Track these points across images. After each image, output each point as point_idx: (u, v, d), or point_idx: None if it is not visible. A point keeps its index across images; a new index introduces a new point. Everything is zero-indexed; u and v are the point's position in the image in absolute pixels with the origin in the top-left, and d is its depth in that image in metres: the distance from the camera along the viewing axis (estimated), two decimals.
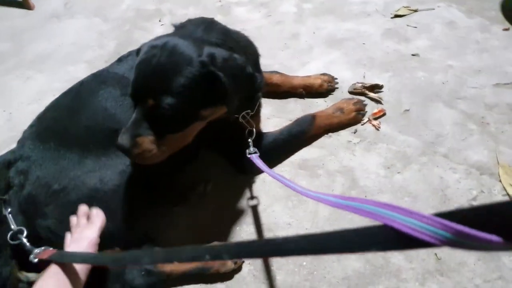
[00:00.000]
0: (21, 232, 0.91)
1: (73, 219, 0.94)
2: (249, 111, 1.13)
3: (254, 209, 1.20)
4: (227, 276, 1.06)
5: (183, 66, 0.87)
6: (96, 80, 1.17)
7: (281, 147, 1.28)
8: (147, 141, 0.90)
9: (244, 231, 1.16)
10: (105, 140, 1.05)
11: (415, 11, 1.82)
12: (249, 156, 1.06)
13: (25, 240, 0.89)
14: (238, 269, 1.07)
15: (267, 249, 0.44)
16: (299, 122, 1.30)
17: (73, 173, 0.99)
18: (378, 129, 1.35)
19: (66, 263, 0.81)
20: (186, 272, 1.04)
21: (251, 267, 1.08)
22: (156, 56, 0.88)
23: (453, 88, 1.47)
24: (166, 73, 0.87)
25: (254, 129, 1.14)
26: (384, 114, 1.40)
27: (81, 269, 0.83)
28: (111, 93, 1.12)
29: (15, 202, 0.98)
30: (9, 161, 1.06)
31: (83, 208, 0.95)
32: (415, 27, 1.74)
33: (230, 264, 1.05)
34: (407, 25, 1.76)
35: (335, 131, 1.36)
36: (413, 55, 1.62)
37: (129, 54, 1.23)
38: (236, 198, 1.23)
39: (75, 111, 1.09)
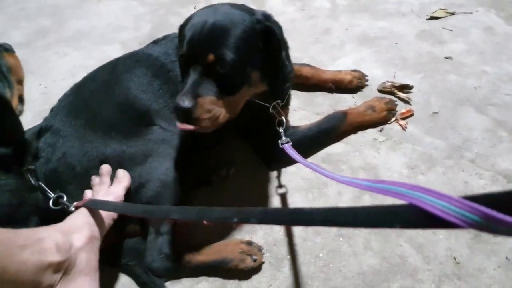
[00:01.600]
0: (62, 197, 0.95)
1: (95, 178, 0.99)
2: (279, 101, 1.15)
3: (283, 197, 1.22)
4: (244, 275, 1.05)
5: (240, 21, 0.89)
6: (132, 58, 1.20)
7: (309, 144, 1.27)
8: (208, 102, 0.88)
9: None
10: (131, 123, 1.08)
11: (452, 14, 1.79)
12: (281, 146, 1.07)
13: (67, 203, 0.94)
14: (257, 268, 1.06)
15: (294, 217, 0.45)
16: (329, 118, 1.30)
17: (96, 154, 1.02)
18: (404, 129, 1.35)
19: (94, 210, 0.88)
20: (205, 262, 1.03)
21: (267, 254, 1.09)
22: (210, 16, 0.89)
23: (486, 94, 1.44)
24: (224, 28, 0.87)
25: (284, 119, 1.16)
26: (412, 115, 1.39)
27: (106, 217, 0.91)
28: (143, 72, 1.16)
29: (41, 174, 1.02)
30: (40, 128, 1.10)
31: (106, 167, 0.99)
32: (451, 30, 1.71)
33: (249, 261, 1.04)
34: (443, 28, 1.73)
35: (365, 129, 1.36)
36: (446, 58, 1.59)
37: (164, 37, 1.26)
38: (258, 184, 1.25)
39: (110, 85, 1.13)
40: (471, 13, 1.78)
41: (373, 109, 1.35)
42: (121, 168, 1.01)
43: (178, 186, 1.05)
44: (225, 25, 0.88)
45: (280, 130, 1.13)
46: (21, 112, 1.08)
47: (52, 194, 0.96)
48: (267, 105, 1.14)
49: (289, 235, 1.12)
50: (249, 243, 1.08)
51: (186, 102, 0.85)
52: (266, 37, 0.93)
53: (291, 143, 1.08)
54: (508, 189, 0.29)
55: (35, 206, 0.99)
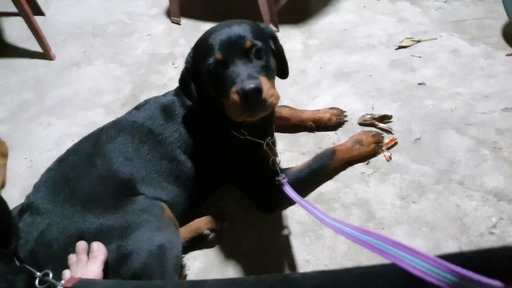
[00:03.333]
0: (47, 274, 0.93)
1: (72, 257, 0.96)
2: (270, 137, 1.20)
3: (285, 239, 1.21)
4: None
5: (252, 23, 1.06)
6: (115, 127, 1.21)
7: (301, 186, 1.26)
8: (266, 80, 0.96)
9: (263, 272, 1.16)
10: (112, 195, 1.07)
11: (418, 41, 1.87)
12: (277, 181, 1.11)
13: (53, 280, 0.91)
14: None
15: (284, 285, 0.45)
16: (318, 158, 1.32)
17: (74, 230, 1.00)
18: (388, 160, 1.36)
19: None
20: None
21: None
22: (228, 25, 1.01)
23: (463, 114, 1.48)
24: (245, 27, 1.00)
25: (278, 158, 1.20)
26: (396, 143, 1.42)
27: None
28: (128, 139, 1.17)
29: (22, 255, 1.00)
30: (22, 207, 1.09)
31: (82, 244, 0.97)
32: (420, 57, 1.78)
33: None
34: (412, 55, 1.80)
35: (355, 164, 1.38)
36: (420, 84, 1.65)
37: (146, 102, 1.28)
38: (253, 235, 1.25)
39: (92, 157, 1.13)
40: (436, 38, 1.86)
41: (360, 143, 1.37)
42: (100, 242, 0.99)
43: (166, 254, 1.01)
44: (244, 25, 1.01)
45: (277, 167, 1.16)
46: None
47: (38, 273, 0.93)
48: (260, 141, 1.17)
49: None
50: None
51: (252, 82, 0.90)
52: (271, 39, 1.10)
53: (287, 179, 1.12)
54: (479, 249, 0.31)
55: None
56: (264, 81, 0.94)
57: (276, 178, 1.12)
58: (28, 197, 1.11)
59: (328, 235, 1.20)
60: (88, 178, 1.08)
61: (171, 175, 1.18)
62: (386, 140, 1.42)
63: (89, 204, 1.03)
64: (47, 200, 1.05)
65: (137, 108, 1.27)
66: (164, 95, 1.30)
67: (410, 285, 0.35)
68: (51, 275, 0.93)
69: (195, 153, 1.20)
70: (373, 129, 1.48)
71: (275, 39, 1.12)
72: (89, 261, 0.94)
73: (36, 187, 1.13)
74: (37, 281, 0.92)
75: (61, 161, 1.17)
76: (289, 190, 1.06)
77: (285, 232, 1.24)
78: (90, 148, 1.16)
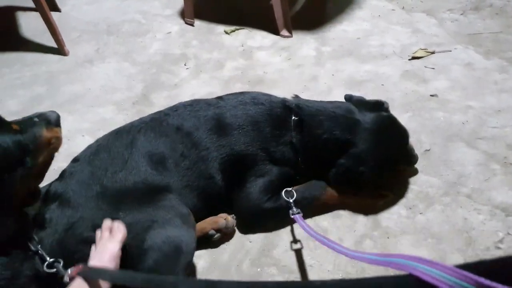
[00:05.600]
0: (58, 262, 0.94)
1: (97, 233, 0.98)
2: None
3: (298, 253, 1.19)
4: None
5: None
6: (155, 131, 1.18)
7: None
8: None
9: (265, 273, 1.15)
10: (144, 195, 1.08)
11: (432, 53, 1.86)
12: (292, 216, 1.12)
13: (61, 268, 0.92)
14: None
15: None
16: (310, 186, 1.27)
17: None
18: None
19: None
20: None
21: None
22: None
23: (474, 128, 1.47)
24: None
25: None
26: None
27: (105, 284, 0.87)
28: (170, 148, 1.15)
29: (48, 245, 1.00)
30: (47, 195, 1.09)
31: (107, 222, 0.99)
32: (433, 68, 1.78)
33: None
34: (425, 67, 1.79)
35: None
36: (432, 95, 1.64)
37: (194, 104, 1.25)
38: (258, 238, 1.24)
39: (128, 160, 1.12)
40: (450, 51, 1.86)
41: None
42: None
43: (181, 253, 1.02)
44: None
45: (290, 200, 1.17)
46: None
47: (49, 258, 0.95)
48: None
49: None
50: None
51: None
52: None
53: (301, 214, 1.12)
54: (497, 257, 0.31)
55: (30, 276, 0.97)
56: None
57: (290, 212, 1.14)
58: (54, 184, 1.11)
59: None
60: (121, 180, 1.09)
61: (203, 192, 1.18)
62: None
63: (120, 202, 1.05)
64: (79, 195, 1.06)
65: (177, 109, 1.25)
66: (218, 105, 1.24)
67: None
68: (61, 264, 0.94)
69: (232, 169, 1.20)
70: None
71: None
72: (108, 239, 0.95)
73: (63, 177, 1.12)
74: (45, 265, 0.94)
75: (91, 155, 1.15)
76: (302, 223, 1.07)
77: (289, 236, 1.23)
78: (126, 150, 1.14)
